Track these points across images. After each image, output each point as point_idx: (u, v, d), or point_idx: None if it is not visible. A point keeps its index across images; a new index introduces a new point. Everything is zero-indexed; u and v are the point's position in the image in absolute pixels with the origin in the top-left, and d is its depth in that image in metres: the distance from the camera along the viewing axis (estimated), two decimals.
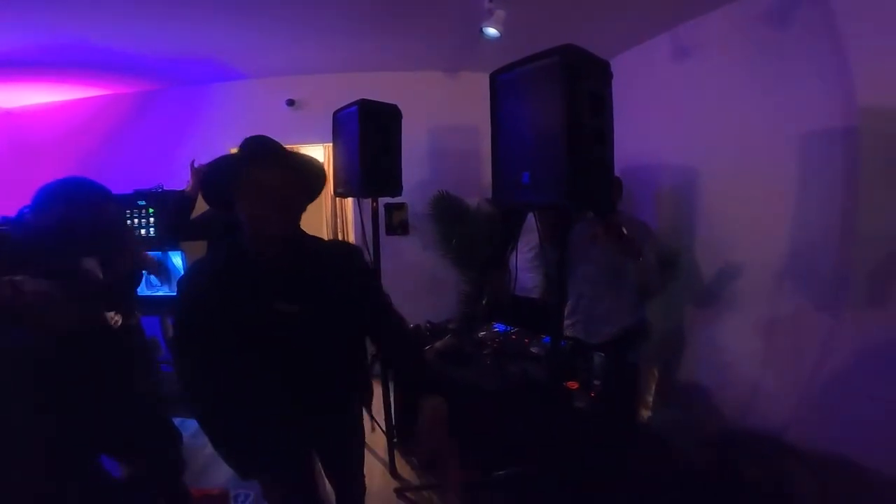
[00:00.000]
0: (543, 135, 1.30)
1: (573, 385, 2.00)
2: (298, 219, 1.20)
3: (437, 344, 2.36)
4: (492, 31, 2.35)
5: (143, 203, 3.37)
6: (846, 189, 1.88)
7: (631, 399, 2.46)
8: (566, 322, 2.30)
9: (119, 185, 3.41)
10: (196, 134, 3.75)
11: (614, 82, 1.38)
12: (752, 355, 2.31)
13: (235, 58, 3.19)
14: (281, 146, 1.17)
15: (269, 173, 1.09)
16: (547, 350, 2.21)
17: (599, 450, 1.92)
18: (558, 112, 1.23)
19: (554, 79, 1.25)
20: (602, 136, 1.27)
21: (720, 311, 2.51)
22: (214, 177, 1.19)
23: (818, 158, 1.97)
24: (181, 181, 3.45)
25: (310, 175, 1.22)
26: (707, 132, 2.49)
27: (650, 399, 2.83)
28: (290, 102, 3.58)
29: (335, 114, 2.35)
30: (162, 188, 3.41)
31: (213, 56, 3.14)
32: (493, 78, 1.50)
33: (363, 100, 2.11)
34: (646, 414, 2.77)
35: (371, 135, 2.09)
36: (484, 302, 2.66)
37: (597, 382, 1.99)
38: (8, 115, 4.09)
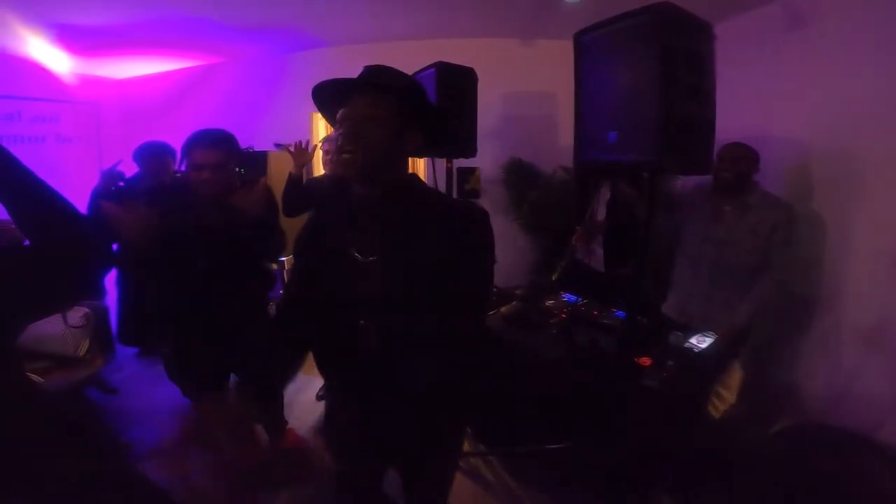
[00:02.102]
0: (634, 94, 1.23)
1: (645, 361, 1.92)
2: (391, 158, 1.01)
3: (503, 309, 2.36)
4: None
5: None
6: None
7: (705, 384, 2.33)
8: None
9: None
10: (282, 101, 3.96)
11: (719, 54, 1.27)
12: (852, 353, 2.10)
13: (316, 26, 3.30)
14: (382, 72, 1.02)
15: (350, 105, 0.97)
16: (620, 322, 2.14)
17: (663, 430, 1.84)
18: (651, 69, 1.16)
19: (647, 36, 1.18)
20: (700, 93, 1.18)
21: (822, 304, 2.28)
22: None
23: None
24: (267, 142, 3.72)
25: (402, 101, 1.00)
26: (825, 109, 2.21)
27: (728, 396, 2.66)
28: None
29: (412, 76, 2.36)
30: (252, 149, 3.66)
31: (296, 24, 3.26)
32: (577, 39, 1.44)
33: (440, 62, 2.11)
34: (721, 408, 2.61)
35: (447, 95, 2.10)
36: (554, 278, 2.60)
37: (671, 363, 1.90)
38: (119, 85, 4.54)
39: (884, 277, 1.97)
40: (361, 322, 1.02)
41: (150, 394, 2.84)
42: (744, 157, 2.06)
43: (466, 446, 2.45)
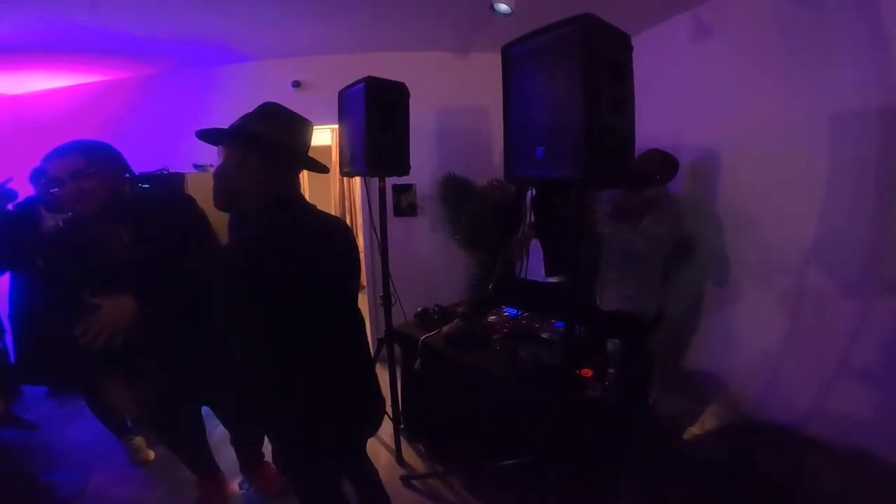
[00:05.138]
0: (559, 106, 1.22)
1: (587, 373, 1.93)
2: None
3: (445, 328, 2.30)
4: (503, 7, 2.27)
5: (147, 185, 3.35)
6: (881, 170, 1.78)
7: (644, 388, 2.40)
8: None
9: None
10: (202, 117, 3.69)
11: (634, 64, 1.29)
12: (773, 343, 2.23)
13: (240, 40, 3.12)
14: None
15: None
16: (560, 335, 2.15)
17: (610, 439, 1.86)
18: (576, 81, 1.16)
19: (572, 48, 1.18)
20: (622, 104, 1.19)
21: (738, 296, 2.43)
22: None
23: (852, 139, 1.87)
24: (186, 163, 3.46)
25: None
26: (732, 113, 2.38)
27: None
28: (296, 84, 3.50)
29: (341, 92, 2.28)
30: (167, 170, 3.38)
31: (218, 39, 3.07)
32: (505, 51, 1.42)
33: (369, 77, 2.04)
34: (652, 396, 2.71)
35: (377, 112, 2.03)
36: (490, 287, 2.59)
37: (611, 371, 1.92)
38: (13, 101, 4.08)
39: (793, 267, 2.12)
40: None
41: (68, 432, 2.75)
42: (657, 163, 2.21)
43: (424, 467, 2.41)
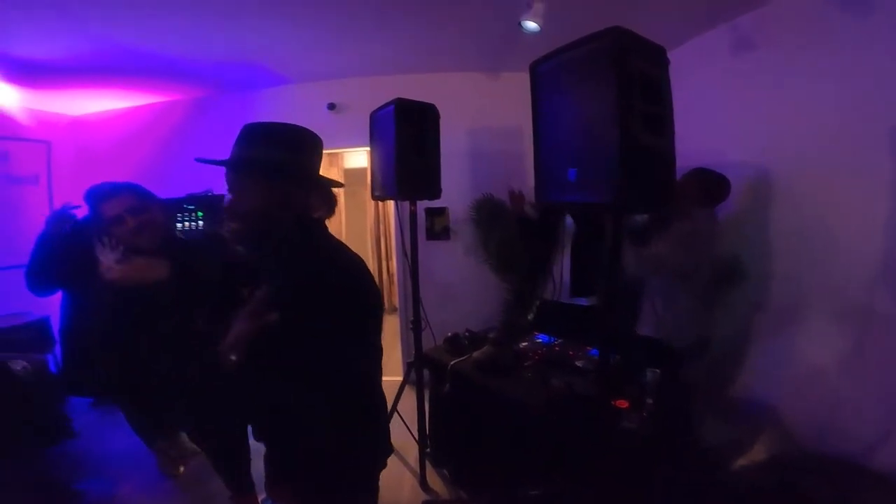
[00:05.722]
0: (591, 126, 1.17)
1: (623, 404, 1.82)
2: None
3: (476, 354, 2.24)
4: (531, 25, 2.23)
5: (192, 207, 3.49)
6: None
7: (687, 419, 2.25)
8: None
9: (174, 190, 3.58)
10: None
11: (672, 78, 1.23)
12: (834, 370, 2.05)
13: (279, 62, 3.24)
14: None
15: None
16: (595, 364, 2.04)
17: (645, 472, 1.73)
18: (607, 98, 1.10)
19: (602, 63, 1.12)
20: (659, 124, 1.11)
21: (795, 321, 2.25)
22: None
23: None
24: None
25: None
26: (782, 130, 2.24)
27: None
28: (332, 106, 3.59)
29: (372, 114, 2.30)
30: (211, 192, 3.51)
31: (259, 61, 3.20)
32: (533, 69, 1.38)
33: (399, 98, 2.05)
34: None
35: (407, 134, 2.03)
36: (529, 317, 2.51)
37: (649, 401, 1.81)
38: (75, 123, 4.37)
39: (856, 290, 1.95)
40: None
41: (105, 441, 2.83)
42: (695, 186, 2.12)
43: (448, 493, 2.37)
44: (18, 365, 2.38)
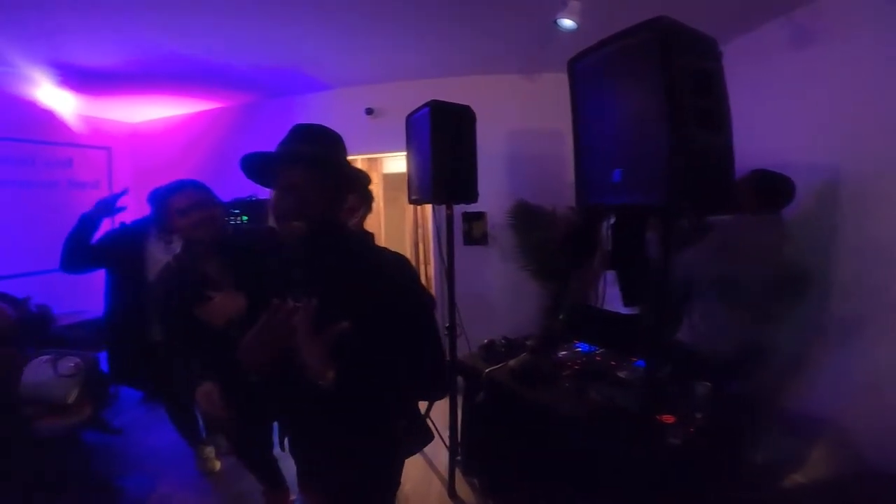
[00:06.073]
0: (638, 124, 1.09)
1: (669, 419, 1.71)
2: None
3: (512, 362, 2.18)
4: (567, 23, 2.16)
5: (238, 210, 3.62)
6: None
7: (740, 436, 2.10)
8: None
9: (221, 195, 3.71)
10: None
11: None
12: None
13: (319, 68, 3.31)
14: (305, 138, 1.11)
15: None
16: (639, 375, 1.94)
17: (692, 490, 1.62)
18: (654, 94, 1.03)
19: (647, 57, 1.05)
20: (713, 118, 1.03)
21: (866, 332, 2.06)
22: None
23: None
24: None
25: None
26: (856, 128, 2.07)
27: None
28: (369, 111, 3.62)
29: (408, 117, 2.29)
30: (255, 197, 3.62)
31: (300, 68, 3.28)
32: (571, 66, 1.33)
33: (434, 101, 2.03)
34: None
35: (443, 136, 2.00)
36: (560, 317, 2.42)
37: (699, 415, 1.69)
38: (133, 130, 4.63)
39: None
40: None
41: (148, 438, 2.94)
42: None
43: (476, 502, 2.34)
44: (71, 361, 2.49)
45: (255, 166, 1.10)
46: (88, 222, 2.27)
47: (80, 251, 2.25)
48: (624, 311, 2.33)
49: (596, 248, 2.26)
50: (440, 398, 1.45)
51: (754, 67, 2.46)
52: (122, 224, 2.56)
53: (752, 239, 1.95)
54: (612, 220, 2.12)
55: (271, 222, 1.25)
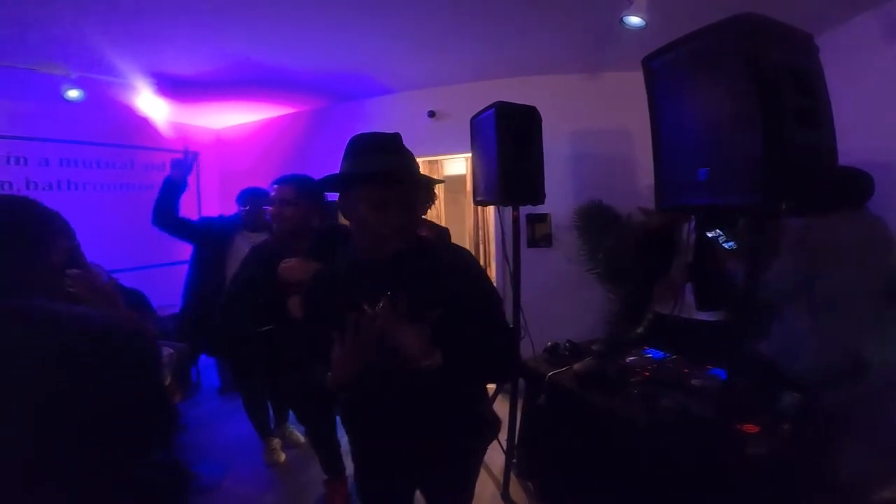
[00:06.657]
0: (724, 123, 1.05)
1: (751, 429, 1.61)
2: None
3: (576, 366, 2.13)
4: (634, 20, 2.09)
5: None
6: None
7: (828, 447, 1.93)
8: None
9: None
10: None
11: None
12: None
13: (383, 73, 3.42)
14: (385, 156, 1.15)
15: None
16: (716, 384, 1.84)
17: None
18: (744, 93, 0.98)
19: (733, 54, 1.01)
20: (811, 116, 0.97)
21: None
22: None
23: None
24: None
25: None
26: None
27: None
28: (432, 114, 3.69)
29: (472, 119, 2.32)
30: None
31: (366, 72, 3.40)
32: (647, 64, 1.29)
33: (500, 102, 2.04)
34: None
35: (509, 138, 2.01)
36: (639, 330, 2.33)
37: (786, 426, 1.58)
38: (218, 136, 4.99)
39: None
40: None
41: (223, 428, 3.11)
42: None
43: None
44: (165, 352, 2.72)
45: (342, 183, 1.15)
46: (171, 183, 2.58)
47: (167, 212, 2.55)
48: (698, 316, 2.23)
49: (673, 256, 2.16)
50: (510, 381, 1.59)
51: (842, 65, 2.27)
52: (220, 215, 2.83)
53: (836, 240, 1.79)
54: (693, 224, 2.01)
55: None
